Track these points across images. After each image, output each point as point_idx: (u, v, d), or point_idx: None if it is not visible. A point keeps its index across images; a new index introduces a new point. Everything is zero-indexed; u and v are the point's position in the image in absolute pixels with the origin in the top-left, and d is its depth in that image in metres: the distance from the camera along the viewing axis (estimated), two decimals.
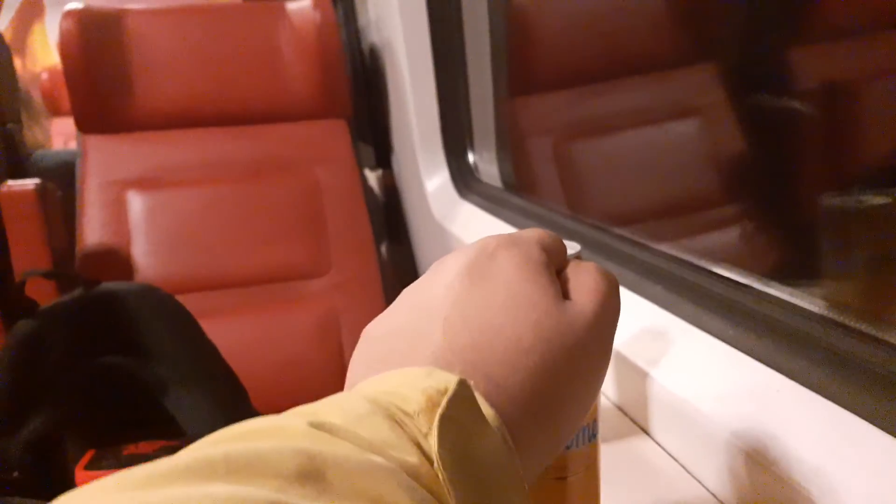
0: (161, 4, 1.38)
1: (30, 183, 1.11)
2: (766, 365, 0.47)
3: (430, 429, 0.23)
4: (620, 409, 0.59)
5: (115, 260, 1.23)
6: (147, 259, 1.25)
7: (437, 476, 0.22)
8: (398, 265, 1.52)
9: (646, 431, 0.55)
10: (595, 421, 0.36)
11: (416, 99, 1.30)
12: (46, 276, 0.99)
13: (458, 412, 0.23)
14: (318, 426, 0.22)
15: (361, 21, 1.61)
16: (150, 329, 0.87)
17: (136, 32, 1.33)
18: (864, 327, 0.45)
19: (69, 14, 1.28)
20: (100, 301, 0.88)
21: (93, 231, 1.25)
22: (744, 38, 0.97)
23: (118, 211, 1.26)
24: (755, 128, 0.90)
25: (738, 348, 0.50)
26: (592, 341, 0.29)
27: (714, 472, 0.46)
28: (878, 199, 0.54)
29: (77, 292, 0.88)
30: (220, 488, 0.18)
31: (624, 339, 0.59)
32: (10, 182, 1.13)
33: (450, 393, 0.23)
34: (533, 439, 0.27)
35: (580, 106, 1.35)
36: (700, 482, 0.48)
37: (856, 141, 0.65)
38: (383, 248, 1.44)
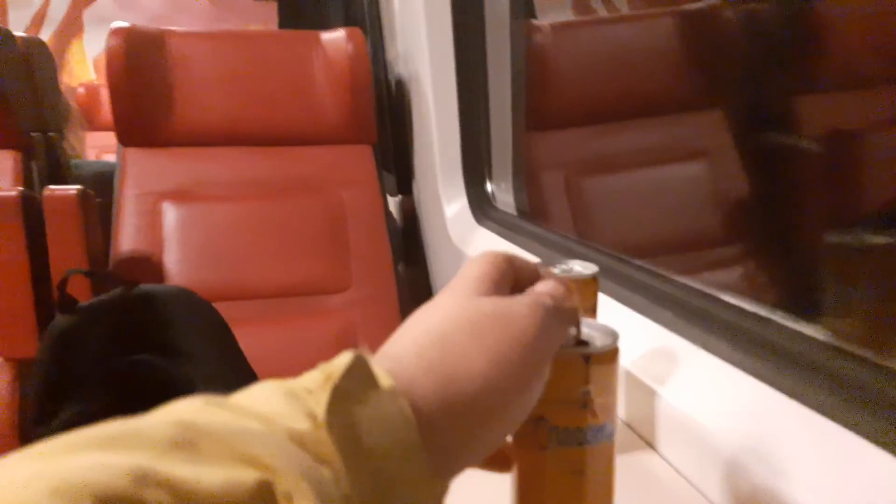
0: (203, 27, 1.44)
1: (72, 188, 1.16)
2: (769, 385, 0.49)
3: (323, 400, 0.24)
4: (628, 425, 0.61)
5: (148, 266, 1.28)
6: (178, 267, 1.29)
7: (325, 440, 0.23)
8: (414, 285, 1.57)
9: (652, 447, 0.57)
10: (613, 422, 0.38)
11: (439, 129, 1.35)
12: (88, 275, 1.03)
13: (349, 383, 0.25)
14: (212, 403, 0.24)
15: (390, 53, 1.67)
16: (183, 330, 0.91)
17: (178, 53, 1.40)
18: (862, 352, 0.48)
19: (116, 32, 1.34)
20: (137, 301, 0.92)
21: (128, 238, 1.30)
22: (752, 86, 1.02)
23: (153, 220, 1.31)
24: (761, 170, 0.94)
25: (742, 370, 0.52)
26: (492, 315, 0.31)
27: (718, 487, 0.48)
28: (879, 239, 0.58)
29: (116, 292, 0.92)
30: (92, 457, 0.19)
31: (633, 358, 0.62)
32: (53, 187, 1.18)
33: (342, 367, 0.26)
34: (441, 411, 0.28)
35: (592, 143, 1.40)
36: (704, 496, 0.50)
37: (859, 183, 0.69)
38: (401, 269, 1.48)
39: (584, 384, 0.36)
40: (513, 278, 0.35)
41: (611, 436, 0.38)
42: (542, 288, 0.35)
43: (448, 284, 0.34)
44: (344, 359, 0.26)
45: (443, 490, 0.28)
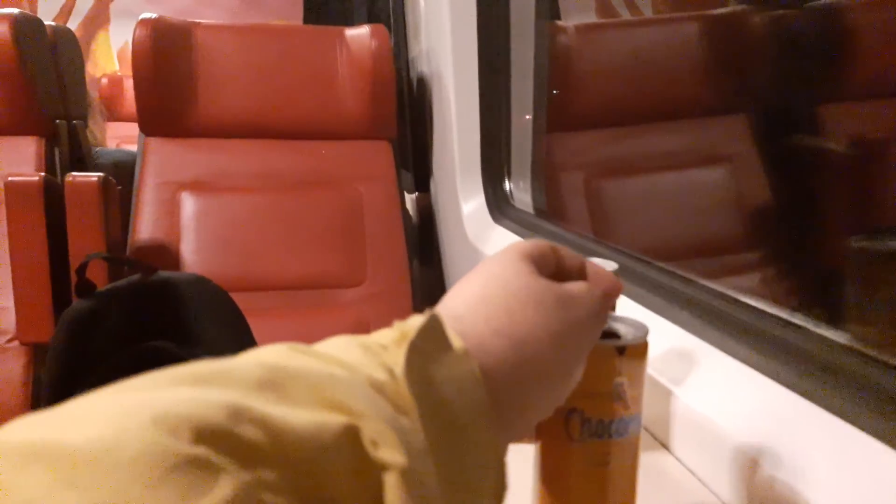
0: (229, 22, 1.45)
1: (93, 176, 1.18)
2: (787, 388, 0.49)
3: (400, 357, 0.25)
4: (645, 427, 0.61)
5: (165, 254, 1.29)
6: (195, 256, 1.30)
7: (404, 393, 0.24)
8: (427, 282, 1.57)
9: (667, 447, 0.57)
10: (640, 415, 0.38)
11: (459, 127, 1.35)
12: (108, 259, 1.04)
13: (425, 342, 0.26)
14: (297, 349, 0.25)
15: (413, 51, 1.67)
16: (200, 318, 0.92)
17: (204, 45, 1.41)
18: (883, 357, 0.47)
19: (144, 22, 1.36)
20: (155, 287, 0.92)
21: (146, 226, 1.31)
22: (777, 92, 1.01)
23: (171, 209, 1.32)
24: (785, 175, 0.93)
25: (760, 372, 0.52)
26: (555, 301, 0.32)
27: (733, 489, 0.48)
28: None
29: (135, 277, 0.93)
30: (188, 392, 0.20)
31: (651, 359, 0.62)
32: (75, 174, 1.19)
33: (418, 327, 0.26)
34: (507, 374, 0.29)
35: (612, 146, 1.40)
36: (718, 497, 0.49)
37: (884, 188, 0.68)
38: (415, 266, 1.48)
39: (617, 376, 0.36)
40: (555, 266, 0.35)
41: (637, 429, 0.38)
42: (597, 278, 0.35)
43: (494, 256, 0.34)
44: (419, 319, 0.27)
45: (504, 450, 0.29)
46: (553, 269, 0.35)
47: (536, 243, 0.35)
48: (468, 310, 0.31)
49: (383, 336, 0.28)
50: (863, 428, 0.42)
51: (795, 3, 1.16)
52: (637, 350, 0.37)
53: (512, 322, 0.30)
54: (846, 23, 0.99)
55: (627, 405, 0.37)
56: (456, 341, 0.28)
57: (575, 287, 0.33)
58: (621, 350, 0.36)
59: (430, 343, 0.27)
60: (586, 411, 0.36)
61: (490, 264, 0.34)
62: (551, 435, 0.37)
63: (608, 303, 0.35)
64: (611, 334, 0.38)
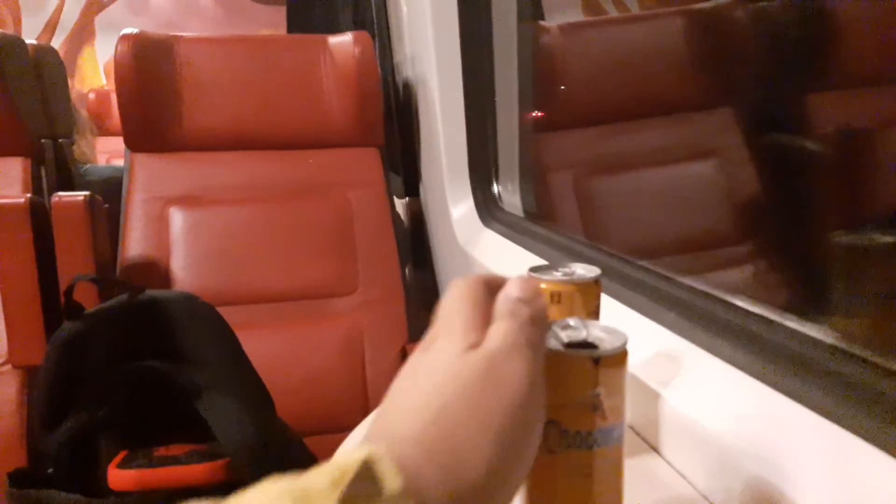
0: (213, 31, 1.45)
1: (80, 195, 1.17)
2: (774, 389, 0.49)
3: None
4: (632, 428, 0.61)
5: (156, 271, 1.28)
6: (185, 272, 1.30)
7: None
8: (421, 287, 1.56)
9: (656, 450, 0.57)
10: (622, 424, 0.38)
11: (446, 131, 1.35)
12: (95, 281, 1.04)
13: (358, 489, 0.26)
14: None
15: (398, 56, 1.67)
16: (189, 336, 0.92)
17: (187, 58, 1.40)
18: (869, 356, 0.47)
19: (125, 38, 1.35)
20: (143, 307, 0.92)
21: (135, 243, 1.30)
22: (761, 85, 1.01)
23: (160, 225, 1.32)
24: (769, 169, 0.93)
25: (747, 373, 0.52)
26: (484, 378, 0.31)
27: (722, 491, 0.48)
28: (886, 239, 0.57)
29: (122, 297, 0.93)
30: None
31: (637, 361, 0.62)
32: (62, 193, 1.19)
33: (351, 472, 0.26)
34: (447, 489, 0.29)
35: (600, 144, 1.40)
36: (707, 499, 0.49)
37: (866, 182, 0.68)
38: (408, 271, 1.48)
39: (593, 386, 0.36)
40: (491, 301, 0.35)
41: (620, 438, 0.38)
42: (511, 292, 0.35)
43: (431, 331, 0.35)
44: (353, 460, 0.27)
45: None
46: (491, 307, 0.35)
47: (465, 292, 0.35)
48: (403, 426, 0.30)
49: (320, 477, 0.27)
50: (849, 428, 0.42)
51: None
52: (614, 359, 0.36)
53: (444, 437, 0.30)
54: (829, 12, 0.99)
55: (606, 415, 0.36)
56: (392, 482, 0.27)
57: (496, 339, 0.33)
58: (597, 360, 0.36)
59: (364, 487, 0.26)
60: (564, 423, 0.36)
61: (428, 346, 0.34)
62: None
63: (536, 316, 0.34)
64: (588, 344, 0.38)
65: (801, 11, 1.04)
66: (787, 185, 0.86)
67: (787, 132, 0.94)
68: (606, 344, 0.37)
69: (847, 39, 0.91)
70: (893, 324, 0.53)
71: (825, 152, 0.85)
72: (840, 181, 0.76)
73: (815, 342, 0.51)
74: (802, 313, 0.54)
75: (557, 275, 0.54)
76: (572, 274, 0.55)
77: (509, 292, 0.35)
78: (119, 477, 0.86)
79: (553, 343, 0.37)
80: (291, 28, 2.11)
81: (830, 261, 0.61)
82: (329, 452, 0.61)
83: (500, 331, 0.33)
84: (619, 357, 0.37)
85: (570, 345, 0.37)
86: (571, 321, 0.39)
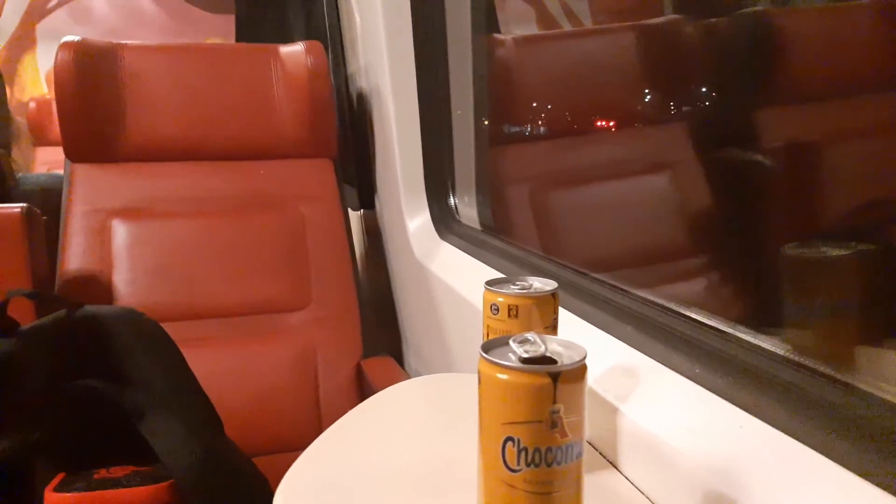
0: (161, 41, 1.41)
1: (16, 206, 1.12)
2: (729, 402, 0.49)
3: None
4: (590, 443, 0.61)
5: (97, 286, 1.23)
6: (128, 287, 1.25)
7: None
8: (377, 302, 1.54)
9: (615, 466, 0.56)
10: (581, 440, 0.38)
11: (400, 143, 1.34)
12: (31, 296, 0.99)
13: None
14: None
15: (352, 67, 1.66)
16: (131, 354, 0.88)
17: (132, 66, 1.36)
18: (821, 367, 0.47)
19: (66, 45, 1.30)
20: (82, 323, 0.88)
21: (75, 257, 1.25)
22: (712, 99, 1.03)
23: (102, 238, 1.27)
24: (720, 182, 0.95)
25: (703, 386, 0.52)
26: None
27: None
28: (838, 251, 0.58)
29: (60, 314, 0.89)
30: None
31: (595, 375, 0.62)
32: None
33: None
34: None
35: (556, 157, 1.41)
36: None
37: (817, 195, 0.69)
38: (363, 285, 1.46)
39: (553, 403, 0.35)
40: None
41: (580, 454, 0.37)
42: None
43: None
44: None
45: None
46: None
47: None
48: None
49: None
50: (803, 440, 0.42)
51: (726, 11, 1.19)
52: (573, 375, 0.36)
53: None
54: (777, 27, 1.02)
55: (566, 432, 0.36)
56: None
57: None
58: (555, 376, 0.35)
59: None
60: (522, 440, 0.35)
61: None
62: (490, 465, 0.37)
63: None
64: (546, 359, 0.37)
65: (748, 28, 1.06)
66: (739, 198, 0.87)
67: (737, 146, 0.95)
68: (565, 359, 0.37)
69: (795, 54, 0.94)
70: (844, 335, 0.54)
71: (774, 165, 0.86)
72: (790, 194, 0.78)
73: (769, 354, 0.52)
74: (756, 326, 0.55)
75: (514, 288, 0.54)
76: (529, 287, 0.55)
77: None
78: (56, 501, 0.82)
79: (510, 359, 0.36)
80: (240, 38, 2.09)
81: (782, 273, 0.62)
82: (280, 473, 0.58)
83: None
84: (578, 372, 0.36)
85: (528, 360, 0.37)
86: (529, 336, 0.39)
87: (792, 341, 0.52)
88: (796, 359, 0.50)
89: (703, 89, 1.15)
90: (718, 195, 1.02)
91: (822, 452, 0.41)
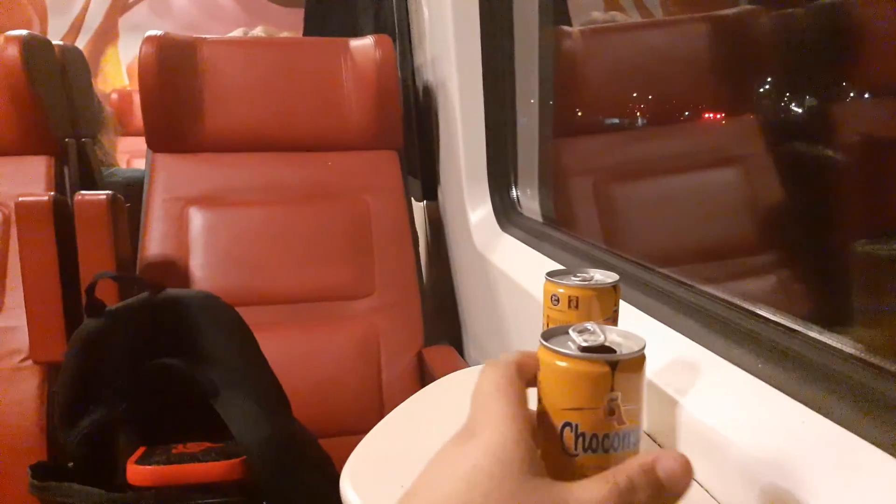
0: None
1: (102, 194, 1.19)
2: (792, 398, 0.48)
3: None
4: (650, 435, 0.60)
5: (175, 270, 1.30)
6: (204, 271, 1.31)
7: None
8: (438, 292, 1.57)
9: None
10: (638, 429, 0.38)
11: (465, 135, 1.35)
12: (116, 279, 1.05)
13: None
14: None
15: (418, 59, 1.68)
16: (207, 334, 0.92)
17: (209, 60, 1.42)
18: (890, 366, 0.46)
19: (150, 39, 1.37)
20: (163, 305, 0.93)
21: (155, 242, 1.32)
22: (785, 92, 1.00)
23: (180, 225, 1.33)
24: (792, 177, 0.92)
25: (765, 381, 0.52)
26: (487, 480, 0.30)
27: (740, 501, 0.47)
28: None
29: (143, 296, 0.94)
30: None
31: (656, 368, 0.62)
32: (84, 192, 1.20)
33: None
34: None
35: (621, 149, 1.39)
36: None
37: (889, 191, 0.67)
38: (424, 275, 1.48)
39: (610, 391, 0.36)
40: (526, 381, 0.36)
41: (636, 443, 0.38)
42: (665, 465, 0.33)
43: (468, 422, 0.34)
44: None
45: None
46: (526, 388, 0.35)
47: (504, 380, 0.35)
48: None
49: None
50: (866, 437, 0.42)
51: (802, 2, 1.15)
52: (631, 364, 0.36)
53: None
54: (856, 18, 0.98)
55: (623, 420, 0.36)
56: None
57: (587, 493, 0.31)
58: (614, 365, 0.36)
59: None
60: (580, 425, 0.36)
61: (469, 449, 0.32)
62: (549, 447, 0.37)
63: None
64: (605, 348, 0.38)
65: (825, 17, 1.03)
66: (810, 194, 0.85)
67: (810, 139, 0.93)
68: (624, 349, 0.37)
69: (872, 45, 0.90)
70: None
71: (848, 160, 0.84)
72: (863, 189, 0.76)
73: (835, 351, 0.51)
74: (822, 322, 0.54)
75: (575, 280, 0.55)
76: (590, 279, 0.55)
77: (662, 465, 0.34)
78: (137, 472, 0.87)
79: (570, 347, 0.37)
80: (308, 31, 2.12)
81: (852, 270, 0.61)
82: (344, 455, 0.61)
83: (597, 490, 0.32)
84: (636, 362, 0.37)
85: (588, 349, 0.37)
86: (588, 325, 0.40)
87: (860, 338, 0.51)
88: (863, 356, 0.49)
89: (777, 81, 1.12)
90: (790, 190, 1.00)
91: (885, 450, 0.40)
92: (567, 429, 0.36)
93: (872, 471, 0.40)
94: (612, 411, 0.36)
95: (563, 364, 0.36)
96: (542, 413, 0.38)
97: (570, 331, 0.39)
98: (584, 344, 0.38)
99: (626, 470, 0.34)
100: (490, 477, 0.30)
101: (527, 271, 1.04)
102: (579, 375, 0.35)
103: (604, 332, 0.39)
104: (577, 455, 0.36)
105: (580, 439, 0.36)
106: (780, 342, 0.55)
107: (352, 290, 1.35)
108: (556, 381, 0.37)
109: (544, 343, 0.38)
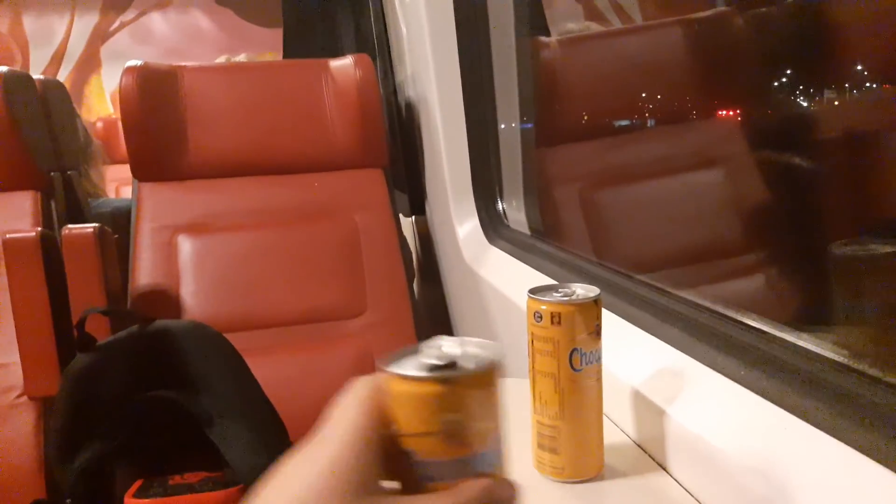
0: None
1: (90, 227, 1.19)
2: (775, 404, 0.49)
3: None
4: (639, 445, 0.61)
5: (166, 300, 1.30)
6: (195, 299, 1.31)
7: None
8: (430, 306, 1.57)
9: (663, 468, 0.57)
10: (493, 449, 0.34)
11: (448, 150, 1.36)
12: (105, 313, 1.05)
13: None
14: None
15: (399, 77, 1.69)
16: (199, 364, 0.93)
17: (191, 88, 1.43)
18: (869, 369, 0.47)
19: (129, 70, 1.38)
20: (154, 337, 0.93)
21: (145, 272, 1.32)
22: (762, 91, 1.01)
23: (169, 253, 1.34)
24: (770, 177, 0.93)
25: (749, 388, 0.52)
26: None
27: None
28: (887, 248, 0.57)
29: (133, 328, 0.94)
30: None
31: (642, 378, 0.62)
32: (71, 226, 1.21)
33: None
34: None
35: (604, 156, 1.40)
36: None
37: (868, 189, 0.68)
38: (416, 290, 1.49)
39: (446, 412, 0.32)
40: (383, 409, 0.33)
41: (492, 465, 0.34)
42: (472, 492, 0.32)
43: (321, 435, 0.32)
44: None
45: None
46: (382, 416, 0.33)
47: (367, 406, 0.33)
48: None
49: None
50: (851, 444, 0.42)
51: (776, 1, 1.17)
52: (473, 381, 0.33)
53: None
54: (831, 14, 0.99)
55: (467, 443, 0.33)
56: None
57: None
58: (447, 382, 0.32)
59: None
60: (420, 452, 0.32)
61: (320, 457, 0.31)
62: (401, 474, 0.34)
63: None
64: (447, 364, 0.33)
65: (800, 14, 1.04)
66: (788, 193, 0.86)
67: (789, 139, 0.94)
68: (469, 363, 0.33)
69: (847, 39, 0.91)
70: (892, 335, 0.53)
71: (827, 159, 0.85)
72: (840, 190, 0.77)
73: (817, 357, 0.51)
74: (804, 328, 0.55)
75: (557, 296, 0.55)
76: (572, 294, 0.55)
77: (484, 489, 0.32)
78: None
79: (409, 367, 0.33)
80: (287, 54, 2.12)
81: (829, 272, 0.61)
82: None
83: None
84: (479, 378, 0.33)
85: (435, 367, 0.33)
86: (445, 341, 0.36)
87: (839, 343, 0.52)
88: (843, 361, 0.49)
89: (755, 81, 1.14)
90: (769, 190, 1.00)
91: (871, 456, 0.40)
92: (406, 456, 0.33)
93: (855, 475, 0.41)
94: (451, 434, 0.32)
95: (396, 386, 0.33)
96: (395, 438, 0.34)
97: (423, 347, 0.35)
98: (432, 362, 0.33)
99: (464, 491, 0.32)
100: (318, 498, 0.30)
101: (515, 284, 1.05)
102: (409, 397, 0.32)
103: (462, 346, 0.35)
104: (416, 487, 0.33)
105: (420, 467, 0.33)
106: (761, 348, 0.55)
107: (344, 310, 1.35)
108: (393, 404, 0.33)
109: (381, 365, 0.34)
